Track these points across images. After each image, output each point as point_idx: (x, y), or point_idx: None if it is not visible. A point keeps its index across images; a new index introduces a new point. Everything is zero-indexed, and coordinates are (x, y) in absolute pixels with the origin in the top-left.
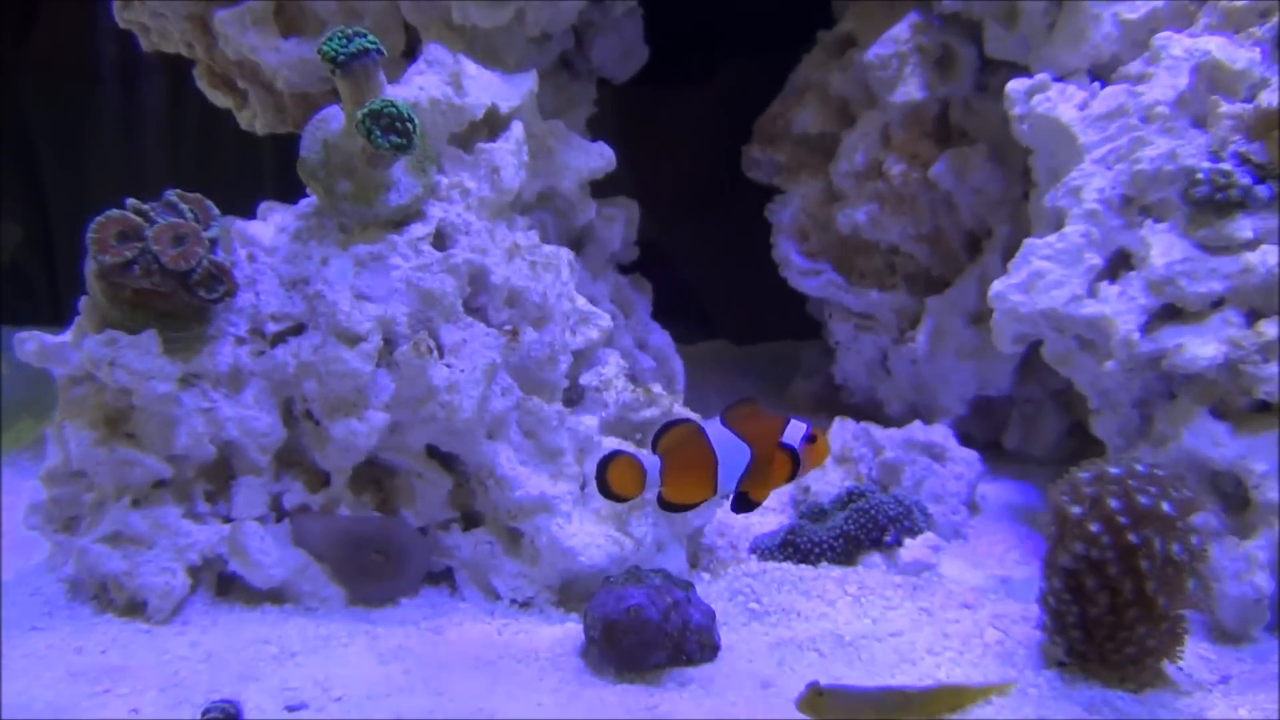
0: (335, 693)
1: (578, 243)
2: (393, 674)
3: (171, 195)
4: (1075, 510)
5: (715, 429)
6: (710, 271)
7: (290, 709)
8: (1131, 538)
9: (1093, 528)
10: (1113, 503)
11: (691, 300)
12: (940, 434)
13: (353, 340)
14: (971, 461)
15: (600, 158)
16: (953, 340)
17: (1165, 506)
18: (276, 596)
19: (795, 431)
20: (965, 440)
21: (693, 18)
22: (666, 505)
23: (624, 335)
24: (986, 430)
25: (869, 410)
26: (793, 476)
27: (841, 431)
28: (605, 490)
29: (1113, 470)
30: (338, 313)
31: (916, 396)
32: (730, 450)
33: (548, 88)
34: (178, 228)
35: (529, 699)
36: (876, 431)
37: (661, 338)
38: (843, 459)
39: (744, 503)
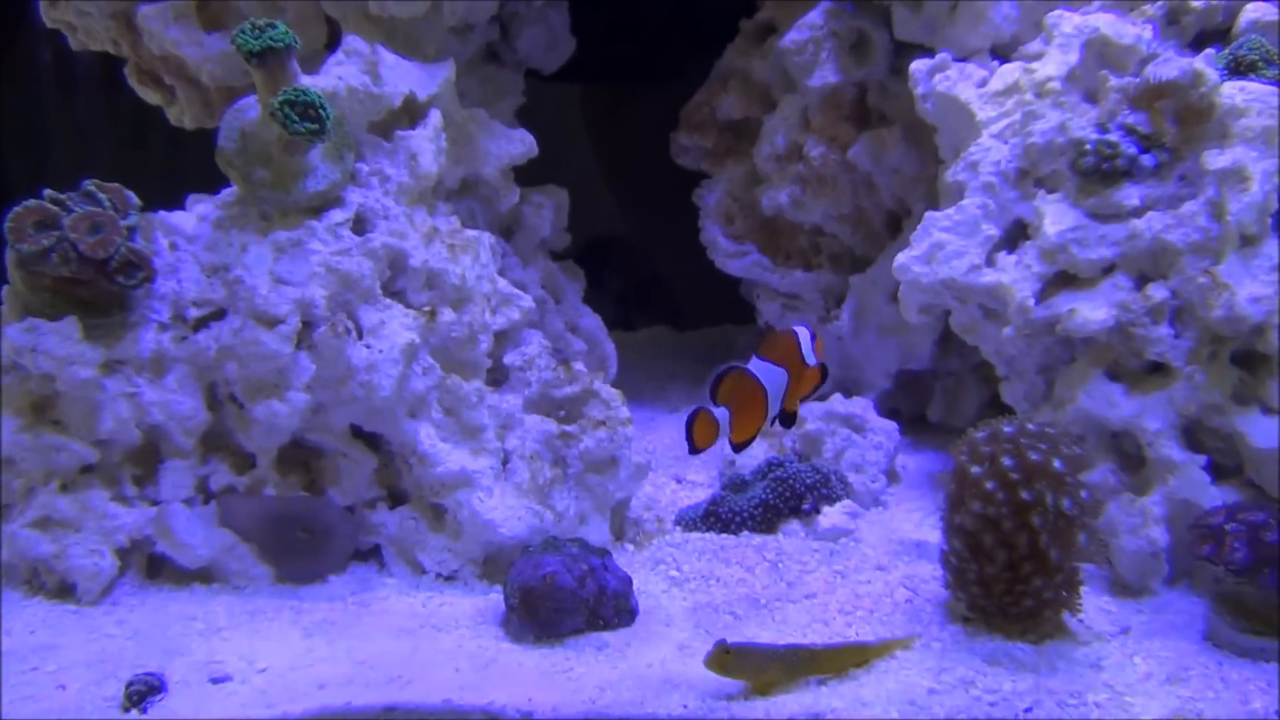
0: (260, 664)
1: (508, 230)
2: (316, 646)
3: (89, 185)
4: (975, 470)
5: (756, 365)
6: (655, 259)
7: (215, 681)
8: (1024, 494)
9: (988, 485)
10: (1006, 460)
11: (637, 287)
12: (860, 406)
13: (271, 323)
14: (890, 432)
15: (521, 144)
16: (875, 317)
17: (1055, 463)
18: (205, 576)
19: (806, 341)
20: (891, 413)
21: (656, 15)
22: (738, 447)
23: (555, 319)
24: (911, 403)
25: None
26: (823, 381)
27: None
28: (693, 447)
29: (1006, 429)
30: (255, 296)
31: (844, 372)
32: (774, 379)
33: (473, 78)
34: (95, 216)
35: (447, 665)
36: None
37: (593, 321)
38: (767, 432)
39: (787, 418)
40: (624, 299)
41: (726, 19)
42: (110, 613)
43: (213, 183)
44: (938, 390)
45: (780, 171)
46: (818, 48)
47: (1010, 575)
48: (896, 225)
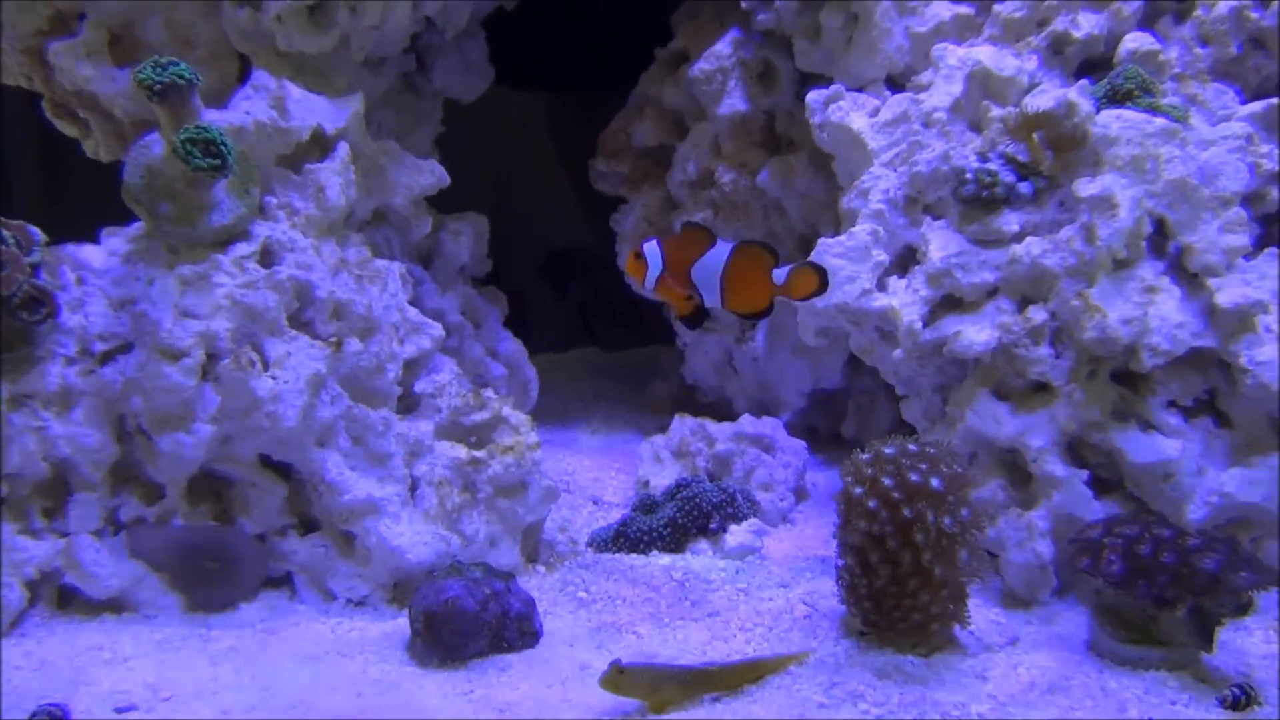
0: (164, 693)
1: (426, 258)
2: (222, 674)
3: None
4: (857, 490)
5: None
6: (589, 281)
7: (119, 710)
8: (905, 512)
9: (870, 504)
10: (886, 480)
11: (600, 297)
12: (769, 426)
13: (175, 356)
14: (799, 450)
15: (431, 175)
16: (788, 338)
17: (934, 482)
18: (115, 607)
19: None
20: (809, 431)
21: (620, 23)
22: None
23: (474, 345)
24: (827, 421)
25: (721, 408)
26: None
27: (680, 428)
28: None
29: (887, 450)
30: (160, 330)
31: (761, 393)
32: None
33: (390, 109)
34: None
35: (350, 690)
36: (711, 426)
37: (513, 346)
38: (680, 453)
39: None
40: (586, 309)
41: None
42: (18, 644)
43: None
44: (851, 408)
45: (693, 197)
46: (725, 77)
47: (898, 590)
48: (808, 248)
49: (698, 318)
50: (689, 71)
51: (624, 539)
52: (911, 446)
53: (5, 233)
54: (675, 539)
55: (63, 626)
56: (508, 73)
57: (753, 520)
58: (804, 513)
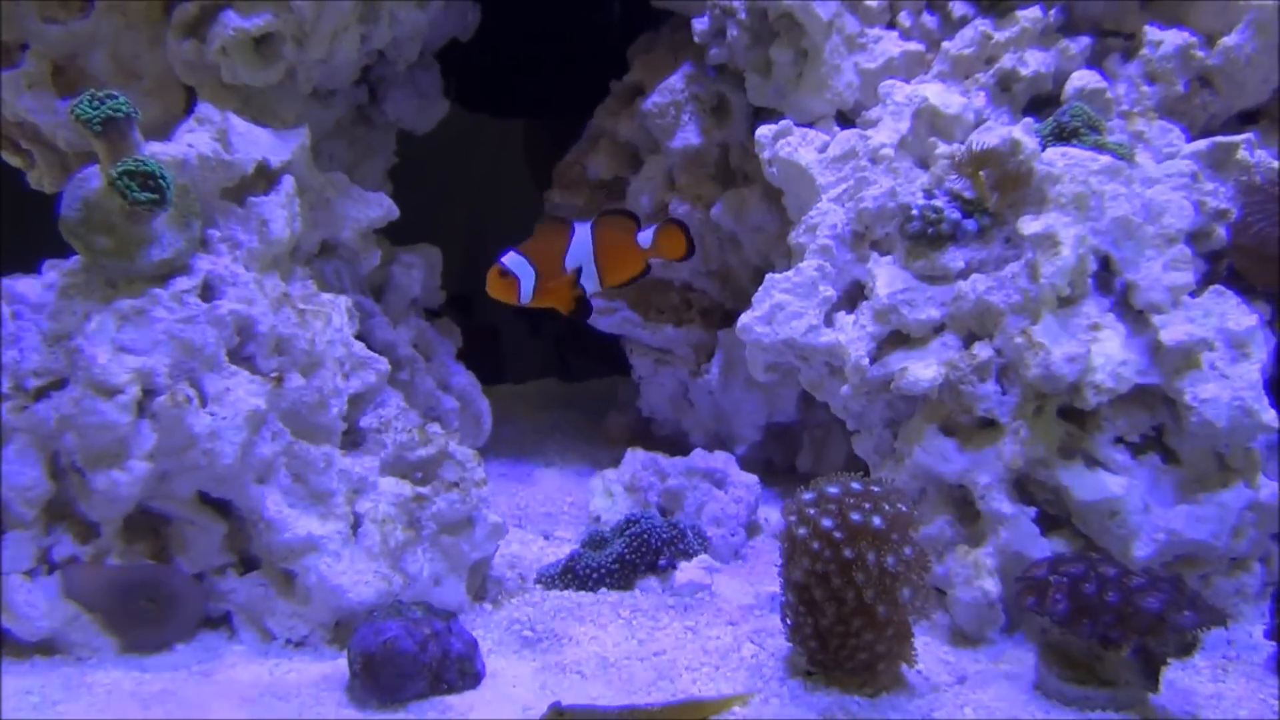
0: None
1: (378, 289)
2: (152, 717)
3: None
4: (801, 531)
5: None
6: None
7: None
8: (846, 552)
9: (814, 546)
10: (825, 521)
11: (573, 331)
12: (721, 460)
13: (109, 392)
14: (751, 485)
15: (379, 208)
16: (742, 371)
17: (875, 521)
18: (46, 648)
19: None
20: (765, 464)
21: (608, 59)
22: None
23: (425, 378)
24: (783, 455)
25: (677, 440)
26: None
27: (632, 461)
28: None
29: (830, 489)
30: (93, 366)
31: (717, 425)
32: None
33: (341, 140)
34: None
35: None
36: (663, 460)
37: (464, 379)
38: (632, 488)
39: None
40: (561, 343)
41: None
42: None
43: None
44: (806, 441)
45: None
46: (678, 110)
47: (843, 629)
48: (762, 281)
49: (586, 307)
50: (642, 105)
51: (572, 575)
52: (855, 485)
53: None
54: (624, 576)
55: None
56: (484, 100)
57: (703, 557)
58: (755, 549)
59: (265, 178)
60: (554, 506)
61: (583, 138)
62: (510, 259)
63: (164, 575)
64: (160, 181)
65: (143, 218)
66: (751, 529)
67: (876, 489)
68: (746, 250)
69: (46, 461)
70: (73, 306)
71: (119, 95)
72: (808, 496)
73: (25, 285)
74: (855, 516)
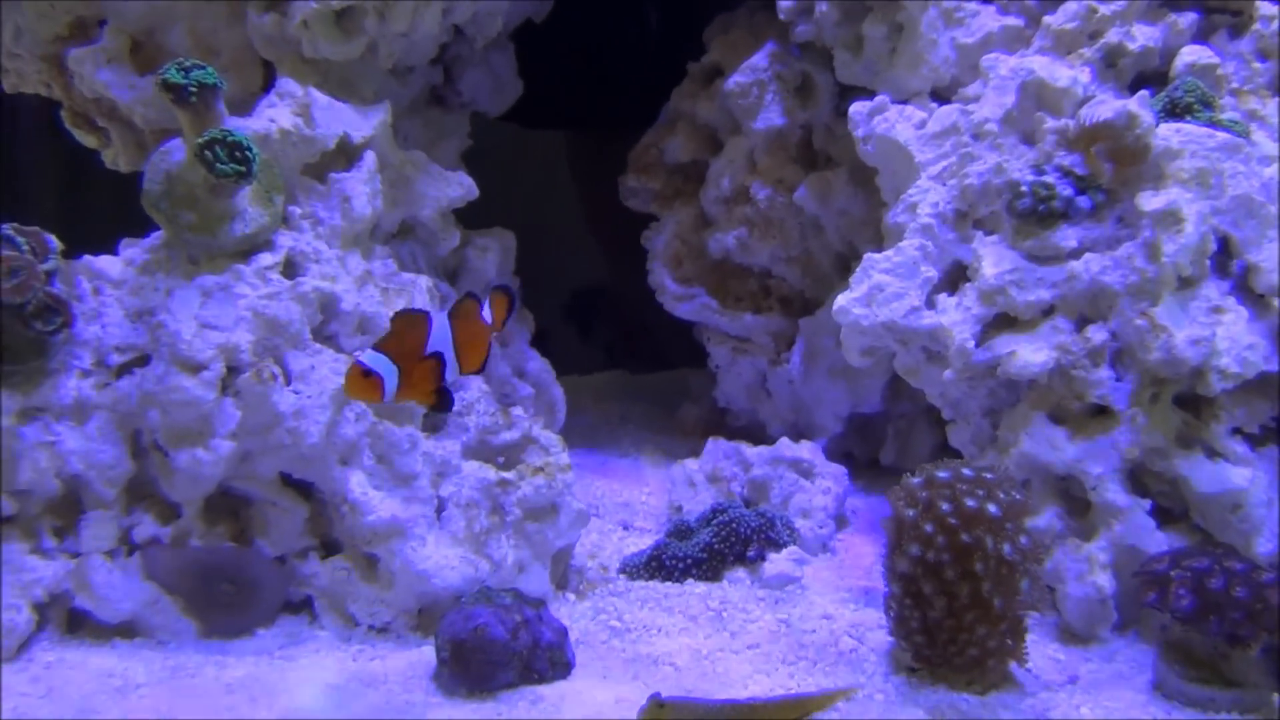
0: None
1: (453, 273)
2: (236, 703)
3: (7, 229)
4: (909, 513)
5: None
6: (641, 306)
7: None
8: (964, 538)
9: (926, 528)
10: (943, 505)
11: (626, 335)
12: (808, 450)
13: (194, 369)
14: (839, 476)
15: (460, 187)
16: (824, 360)
17: (991, 508)
18: (127, 631)
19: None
20: (844, 457)
21: (639, 69)
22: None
23: (501, 363)
24: (864, 447)
25: (753, 432)
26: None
27: (714, 451)
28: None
29: (940, 474)
30: (178, 342)
31: (796, 416)
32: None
33: (416, 120)
34: (11, 261)
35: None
36: (747, 450)
37: (539, 365)
38: (714, 478)
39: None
40: (613, 348)
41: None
42: (24, 669)
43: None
44: (890, 433)
45: (727, 214)
46: (762, 90)
47: (953, 623)
48: (845, 267)
49: (448, 399)
50: (724, 85)
51: (658, 565)
52: (966, 471)
53: (20, 239)
54: (711, 567)
55: (72, 652)
56: (519, 111)
57: (792, 548)
58: (844, 541)
59: (346, 154)
60: (631, 497)
61: (658, 120)
62: (369, 357)
63: (246, 558)
64: (246, 153)
65: (227, 191)
66: (840, 521)
67: (990, 475)
68: (829, 235)
69: (128, 440)
70: (155, 282)
71: (205, 65)
72: (916, 481)
73: (105, 262)
74: (970, 502)
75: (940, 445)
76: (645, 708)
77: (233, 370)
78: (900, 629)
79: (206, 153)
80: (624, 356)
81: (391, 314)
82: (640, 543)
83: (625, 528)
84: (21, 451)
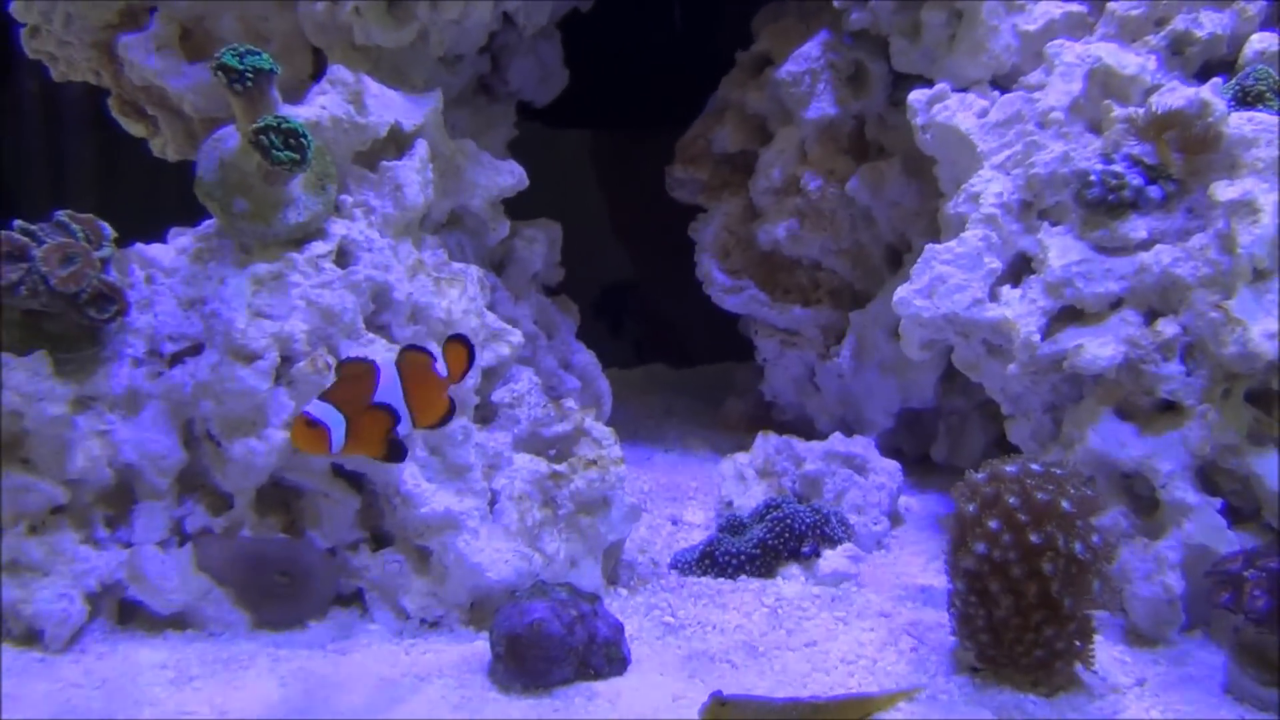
0: (231, 715)
1: (499, 264)
2: (292, 696)
3: (62, 216)
4: (971, 508)
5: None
6: (664, 294)
7: None
8: (1032, 537)
9: (992, 525)
10: (1011, 500)
11: (654, 332)
12: (861, 445)
13: (248, 358)
14: (893, 472)
15: (510, 176)
16: (875, 354)
17: (1064, 504)
18: (179, 622)
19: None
20: (894, 453)
21: (659, 73)
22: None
23: (547, 355)
24: (915, 443)
25: (800, 427)
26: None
27: (764, 445)
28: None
29: (1008, 469)
30: (233, 330)
31: (844, 411)
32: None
33: (464, 110)
34: (67, 248)
35: (429, 717)
36: (798, 444)
37: (586, 358)
38: (765, 473)
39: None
40: (641, 345)
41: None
42: (78, 660)
43: (194, 216)
44: (941, 429)
45: (777, 205)
46: (814, 79)
47: (1020, 623)
48: (896, 260)
49: (399, 450)
50: (775, 74)
51: (710, 561)
52: (1035, 466)
53: (74, 226)
54: (765, 563)
55: (124, 642)
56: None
57: (847, 545)
58: (899, 538)
59: (397, 142)
60: (678, 491)
61: (706, 110)
62: (316, 407)
63: (299, 550)
64: (301, 140)
65: (281, 178)
66: (893, 518)
67: (1059, 470)
68: (881, 227)
69: (181, 429)
70: (207, 271)
71: (260, 51)
72: (981, 476)
73: (157, 250)
74: (1041, 497)
75: (993, 442)
76: (707, 705)
77: (286, 360)
78: (964, 628)
79: (261, 139)
80: (652, 353)
81: (337, 363)
82: (690, 538)
83: (674, 522)
84: (74, 440)
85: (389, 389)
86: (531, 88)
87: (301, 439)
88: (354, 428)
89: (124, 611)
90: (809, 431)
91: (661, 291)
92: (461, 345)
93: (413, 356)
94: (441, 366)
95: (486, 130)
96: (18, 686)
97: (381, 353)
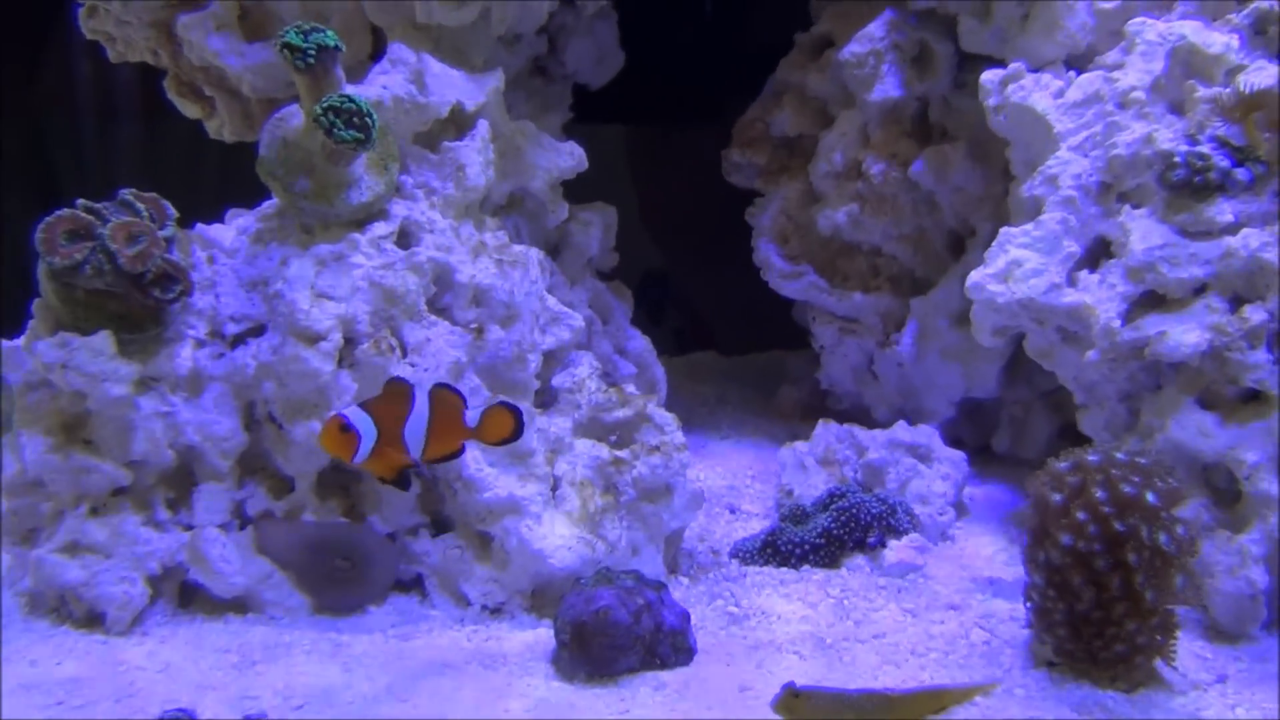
0: (295, 701)
1: (554, 248)
2: (356, 681)
3: (127, 194)
4: (1057, 498)
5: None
6: (710, 287)
7: (248, 718)
8: (1118, 527)
9: (1079, 516)
10: (1098, 492)
11: (694, 322)
12: (925, 434)
13: (312, 340)
14: (958, 462)
15: (570, 157)
16: (937, 342)
17: (1149, 496)
18: (240, 606)
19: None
20: (954, 443)
21: (698, 61)
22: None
23: (603, 341)
24: (976, 433)
25: (856, 416)
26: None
27: (825, 434)
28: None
29: (1091, 458)
30: (296, 312)
31: (903, 400)
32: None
33: (520, 91)
34: (132, 226)
35: (496, 705)
36: (860, 433)
37: (641, 343)
38: (826, 461)
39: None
40: (681, 333)
41: (770, 53)
42: (140, 644)
43: (244, 198)
44: (1004, 419)
45: (838, 190)
46: (878, 61)
47: (1101, 616)
48: (959, 246)
49: (406, 479)
50: (838, 55)
51: (773, 550)
52: (1120, 455)
53: (140, 205)
54: (829, 553)
55: (185, 626)
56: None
57: (914, 535)
58: (963, 529)
59: (457, 123)
60: (735, 480)
61: (764, 93)
62: (354, 414)
63: (359, 534)
64: (366, 119)
65: (344, 158)
66: (959, 509)
67: (1143, 460)
68: (944, 212)
69: (243, 411)
70: (269, 252)
71: (325, 29)
72: (1064, 466)
73: (218, 230)
74: (1127, 489)
75: (1058, 432)
76: (780, 697)
77: (349, 341)
78: (1041, 621)
79: (324, 119)
80: (693, 342)
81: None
82: (748, 526)
83: (732, 511)
84: (137, 421)
85: (418, 417)
86: (588, 69)
87: (331, 440)
88: (380, 446)
89: (184, 594)
90: (865, 420)
91: (702, 279)
92: (508, 412)
93: (443, 395)
94: (471, 416)
95: (543, 113)
96: (82, 669)
97: (442, 336)
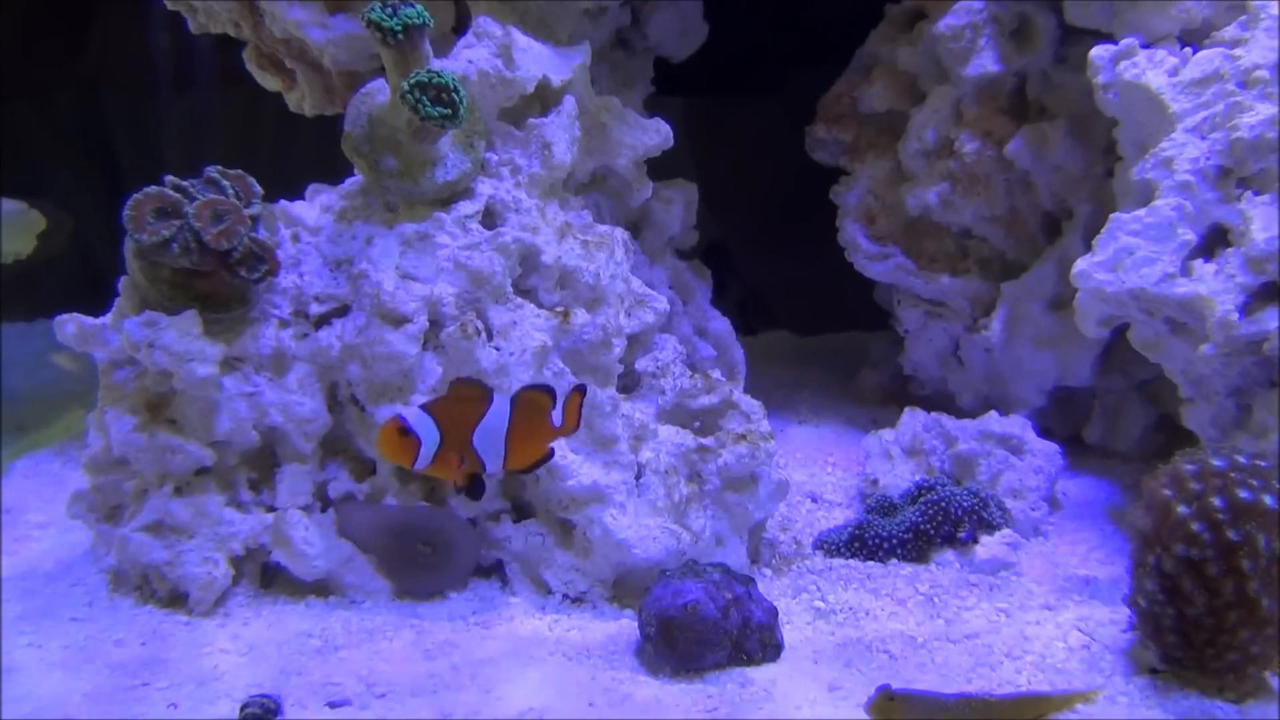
0: (379, 689)
1: (635, 226)
2: (439, 670)
3: (213, 171)
4: (1182, 510)
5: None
6: (773, 264)
7: (332, 705)
8: (1231, 534)
9: (1195, 527)
10: (1216, 500)
11: (753, 293)
12: (1018, 425)
13: (397, 321)
14: (1052, 455)
15: (657, 134)
16: (1030, 328)
17: (1268, 500)
18: (321, 589)
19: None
20: (1043, 433)
21: (763, 32)
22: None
23: (683, 322)
24: (1066, 423)
25: (940, 402)
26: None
27: (911, 422)
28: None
29: (1216, 462)
30: (382, 293)
31: (990, 388)
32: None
33: (604, 65)
34: (218, 205)
35: (580, 698)
36: (949, 422)
37: (722, 325)
38: (913, 451)
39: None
40: (743, 305)
41: (835, 25)
42: (224, 625)
43: (315, 174)
44: (1098, 409)
45: (928, 169)
46: (976, 34)
47: (1213, 623)
48: (1054, 228)
49: (479, 487)
50: (934, 28)
51: (860, 543)
52: (1242, 459)
53: (225, 182)
54: (918, 547)
55: (268, 608)
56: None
57: (1006, 531)
58: (1056, 525)
59: (542, 99)
60: (815, 466)
61: (850, 67)
62: (413, 415)
63: (441, 519)
64: (453, 95)
65: (431, 135)
66: (1052, 503)
67: (1264, 463)
68: (1040, 193)
69: (326, 392)
70: (353, 230)
71: (414, 3)
72: (1190, 468)
73: (301, 208)
74: (1244, 494)
75: (1153, 424)
76: (874, 700)
77: (434, 324)
78: (1149, 627)
79: (411, 95)
80: (758, 317)
81: (451, 381)
82: (830, 516)
83: (813, 500)
84: (222, 402)
85: (496, 422)
86: (672, 41)
87: (388, 445)
88: (443, 451)
89: (265, 576)
90: (949, 407)
91: (766, 255)
92: (577, 395)
93: (532, 397)
94: (558, 415)
95: (626, 87)
96: (166, 650)
97: (528, 319)
